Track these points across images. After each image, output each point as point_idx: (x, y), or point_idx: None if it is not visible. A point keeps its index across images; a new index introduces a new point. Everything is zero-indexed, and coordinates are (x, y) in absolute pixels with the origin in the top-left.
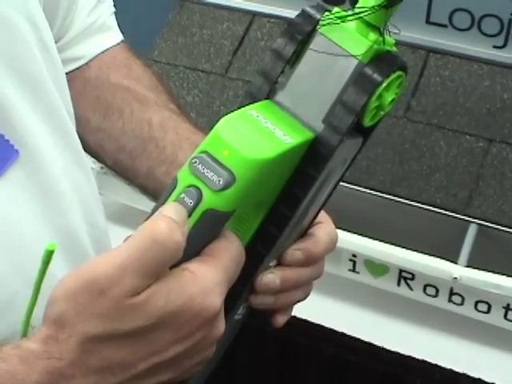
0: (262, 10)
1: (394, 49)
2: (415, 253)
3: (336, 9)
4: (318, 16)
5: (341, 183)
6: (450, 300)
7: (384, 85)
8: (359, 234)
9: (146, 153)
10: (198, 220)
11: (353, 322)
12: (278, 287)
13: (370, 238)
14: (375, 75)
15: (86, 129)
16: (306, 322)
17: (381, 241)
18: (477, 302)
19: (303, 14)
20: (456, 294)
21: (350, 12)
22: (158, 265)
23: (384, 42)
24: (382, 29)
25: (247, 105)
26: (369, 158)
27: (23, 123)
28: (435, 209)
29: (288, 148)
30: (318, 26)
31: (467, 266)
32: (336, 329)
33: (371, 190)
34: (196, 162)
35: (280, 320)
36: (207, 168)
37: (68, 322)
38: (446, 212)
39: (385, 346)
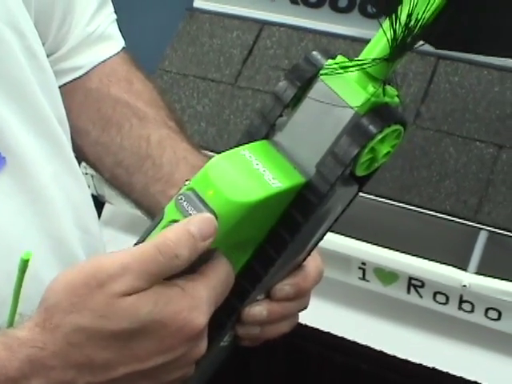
0: (271, 19)
1: (396, 100)
2: (425, 260)
3: (339, 57)
4: (321, 62)
5: None
6: (460, 307)
7: (378, 138)
8: (369, 242)
9: (142, 170)
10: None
11: (363, 330)
12: (264, 319)
13: (380, 245)
14: (369, 128)
15: (85, 141)
16: (316, 330)
17: (390, 248)
18: (487, 310)
19: (307, 59)
20: (466, 301)
21: (352, 62)
22: (157, 272)
23: (384, 93)
24: (382, 81)
25: (244, 144)
26: None
27: (9, 130)
28: (445, 216)
29: (274, 192)
30: (320, 73)
31: (477, 273)
32: (346, 337)
33: (380, 197)
34: (182, 199)
35: (245, 343)
36: (191, 205)
37: (60, 311)
38: (456, 219)
39: (395, 354)
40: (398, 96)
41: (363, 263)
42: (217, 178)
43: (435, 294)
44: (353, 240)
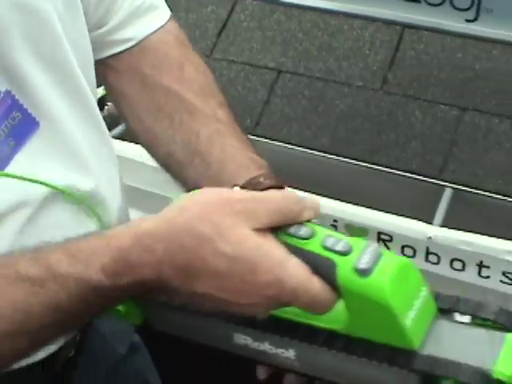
0: None
1: None
2: (393, 216)
3: None
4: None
5: (322, 154)
6: (426, 259)
7: None
8: (340, 200)
9: (192, 165)
10: (317, 252)
11: None
12: None
13: (350, 203)
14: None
15: (139, 127)
16: None
17: (360, 206)
18: (452, 260)
19: (500, 312)
20: (432, 253)
21: None
22: (281, 213)
23: None
24: None
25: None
26: (348, 129)
27: (46, 97)
28: (412, 175)
29: (396, 319)
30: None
31: (442, 226)
32: None
33: (350, 158)
34: (369, 247)
35: None
36: (370, 253)
37: (188, 213)
38: (422, 177)
39: None
40: None
41: (335, 220)
42: (399, 271)
43: (403, 247)
44: (325, 198)
